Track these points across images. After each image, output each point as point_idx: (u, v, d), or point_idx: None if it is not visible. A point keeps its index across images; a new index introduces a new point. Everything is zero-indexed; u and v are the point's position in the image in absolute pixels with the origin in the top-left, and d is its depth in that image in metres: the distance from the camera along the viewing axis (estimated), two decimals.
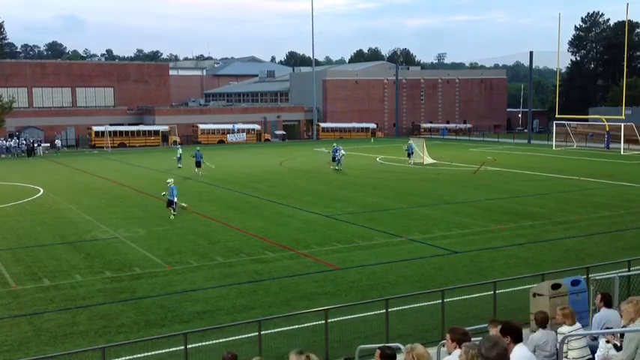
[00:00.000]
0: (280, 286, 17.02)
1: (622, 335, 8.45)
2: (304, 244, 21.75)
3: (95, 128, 71.59)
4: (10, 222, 26.59)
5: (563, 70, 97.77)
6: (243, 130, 77.88)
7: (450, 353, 7.01)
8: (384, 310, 12.67)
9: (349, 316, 13.93)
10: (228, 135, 76.66)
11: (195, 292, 16.61)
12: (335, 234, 23.18)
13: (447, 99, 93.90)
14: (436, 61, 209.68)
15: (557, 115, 62.53)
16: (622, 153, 55.90)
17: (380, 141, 76.59)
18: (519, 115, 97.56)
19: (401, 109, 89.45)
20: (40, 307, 15.58)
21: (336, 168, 44.05)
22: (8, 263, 19.70)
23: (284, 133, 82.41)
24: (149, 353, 12.44)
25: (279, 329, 13.27)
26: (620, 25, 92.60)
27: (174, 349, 12.32)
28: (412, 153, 48.88)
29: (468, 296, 15.02)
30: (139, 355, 12.43)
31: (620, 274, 13.03)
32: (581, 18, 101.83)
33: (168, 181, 28.50)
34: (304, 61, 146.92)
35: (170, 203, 27.03)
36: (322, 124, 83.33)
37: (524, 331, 7.55)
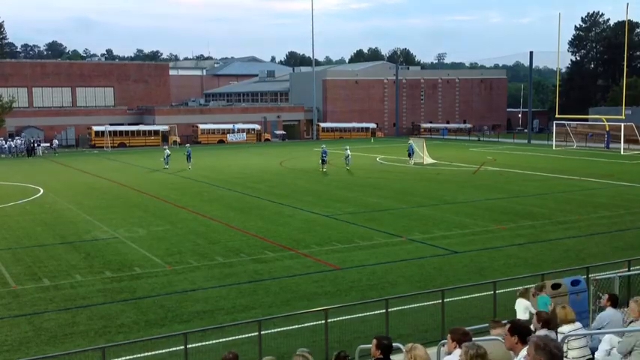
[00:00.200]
0: (280, 286, 17.02)
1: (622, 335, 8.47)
2: (304, 244, 21.74)
3: (95, 128, 71.59)
4: (10, 222, 26.59)
5: (563, 70, 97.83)
6: (243, 130, 77.88)
7: (450, 353, 7.02)
8: (383, 310, 12.68)
9: (349, 316, 13.92)
10: (228, 135, 76.67)
11: (195, 292, 16.62)
12: (335, 234, 23.18)
13: (447, 99, 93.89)
14: (436, 61, 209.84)
15: (557, 115, 62.52)
16: (622, 153, 55.88)
17: (380, 141, 76.59)
18: (519, 115, 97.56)
19: (401, 109, 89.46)
20: (40, 307, 15.58)
21: (347, 168, 44.30)
22: (8, 263, 19.70)
23: (284, 133, 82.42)
24: (149, 353, 12.44)
25: (279, 329, 13.28)
26: (620, 25, 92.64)
27: (174, 349, 12.32)
28: (413, 153, 48.86)
29: (467, 296, 15.03)
30: (139, 355, 12.43)
31: (620, 274, 13.04)
32: (581, 18, 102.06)
33: None
34: (304, 61, 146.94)
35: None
36: (322, 124, 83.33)
37: None
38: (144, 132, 73.78)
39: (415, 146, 49.90)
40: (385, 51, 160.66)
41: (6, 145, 64.36)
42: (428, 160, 48.46)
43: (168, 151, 48.39)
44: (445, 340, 7.24)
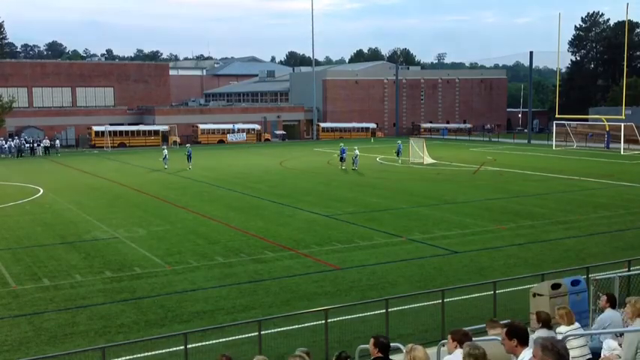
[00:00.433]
0: (280, 286, 17.02)
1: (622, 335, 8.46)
2: (304, 244, 21.74)
3: (95, 128, 71.56)
4: (10, 222, 26.59)
5: (563, 70, 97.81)
6: (243, 130, 77.87)
7: (450, 353, 7.02)
8: (384, 310, 12.67)
9: (349, 316, 13.92)
10: (228, 135, 76.65)
11: (195, 292, 16.61)
12: (335, 234, 23.17)
13: (447, 99, 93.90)
14: (436, 61, 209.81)
15: (557, 115, 62.50)
16: (622, 153, 55.88)
17: (380, 141, 76.56)
18: (519, 115, 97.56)
19: (401, 109, 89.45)
20: (40, 307, 15.58)
21: (353, 168, 44.32)
22: (8, 263, 19.69)
23: (284, 133, 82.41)
24: (149, 353, 12.43)
25: (279, 329, 13.27)
26: (620, 25, 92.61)
27: (174, 349, 12.32)
28: (400, 152, 49.73)
29: (467, 296, 15.02)
30: (138, 355, 12.43)
31: (620, 274, 13.02)
32: (581, 18, 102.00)
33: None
34: (304, 61, 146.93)
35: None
36: (322, 124, 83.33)
37: None
38: (144, 132, 73.75)
39: (415, 146, 50.11)
40: (385, 51, 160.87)
41: (6, 145, 64.35)
42: (428, 160, 48.48)
43: (165, 152, 48.32)
44: (445, 340, 7.24)
